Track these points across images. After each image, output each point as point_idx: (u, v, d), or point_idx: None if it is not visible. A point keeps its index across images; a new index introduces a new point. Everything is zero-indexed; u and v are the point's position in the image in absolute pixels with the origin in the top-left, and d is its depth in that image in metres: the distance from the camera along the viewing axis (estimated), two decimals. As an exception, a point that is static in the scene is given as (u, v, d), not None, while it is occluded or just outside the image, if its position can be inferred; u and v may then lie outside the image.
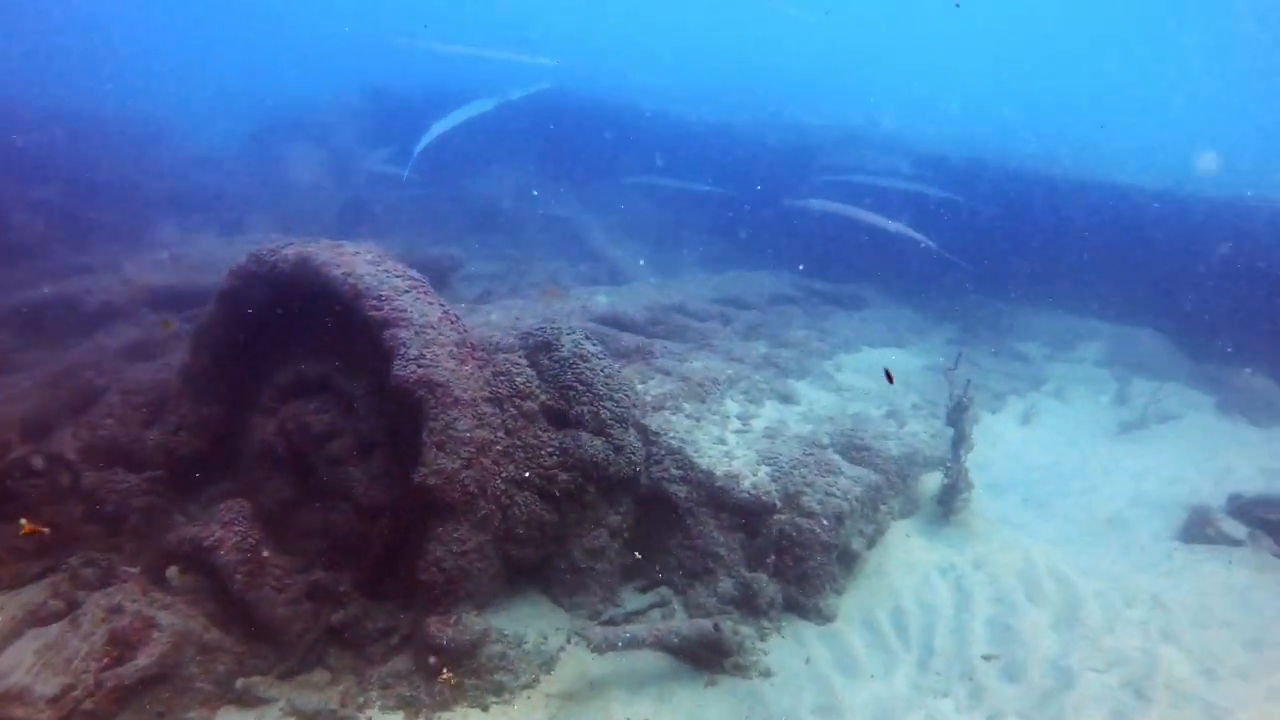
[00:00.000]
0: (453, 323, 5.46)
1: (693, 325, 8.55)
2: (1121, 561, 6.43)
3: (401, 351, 5.07)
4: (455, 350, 5.30)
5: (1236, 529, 6.83)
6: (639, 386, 6.62)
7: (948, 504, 6.45)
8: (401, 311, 5.22)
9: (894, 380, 5.59)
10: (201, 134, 19.50)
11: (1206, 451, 9.07)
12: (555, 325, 5.84)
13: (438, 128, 12.11)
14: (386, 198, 14.93)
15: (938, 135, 17.40)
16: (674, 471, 5.68)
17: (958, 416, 6.47)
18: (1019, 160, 14.28)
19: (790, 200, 12.74)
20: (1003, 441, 8.70)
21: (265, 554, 5.17)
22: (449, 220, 14.69)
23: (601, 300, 8.77)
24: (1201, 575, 6.25)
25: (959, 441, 6.44)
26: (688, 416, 6.36)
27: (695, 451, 5.79)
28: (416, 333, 5.17)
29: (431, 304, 5.48)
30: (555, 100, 16.19)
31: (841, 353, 9.60)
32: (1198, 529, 6.93)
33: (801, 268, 13.23)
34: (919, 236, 11.17)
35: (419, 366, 5.03)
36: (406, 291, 5.43)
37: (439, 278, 10.32)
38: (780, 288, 11.68)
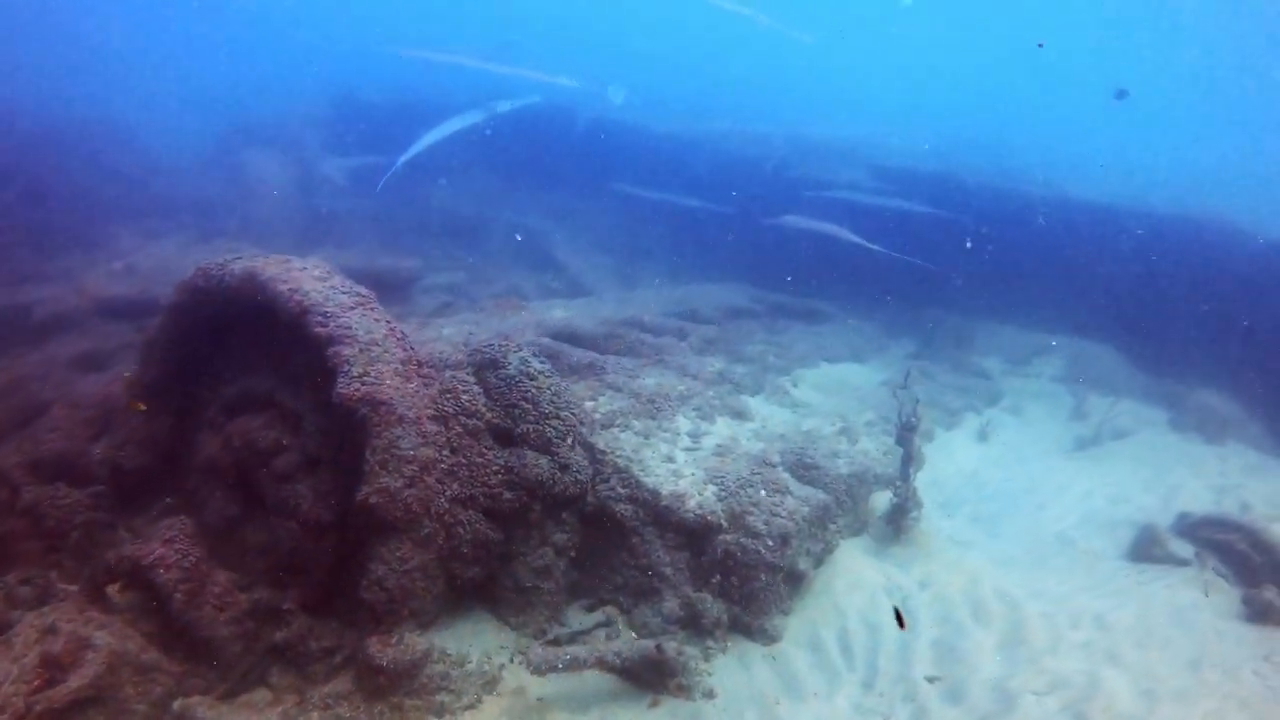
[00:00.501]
0: (399, 339, 5.44)
1: (648, 340, 8.54)
2: (1068, 581, 6.49)
3: (345, 369, 5.05)
4: (400, 368, 5.29)
5: (1183, 549, 6.91)
6: (589, 404, 6.63)
7: (896, 523, 6.50)
8: (346, 328, 5.20)
9: (905, 625, 5.60)
10: (168, 139, 19.28)
11: (1156, 469, 9.17)
12: (503, 343, 5.84)
13: (426, 139, 11.98)
14: (352, 206, 14.84)
15: (907, 148, 17.48)
16: (620, 490, 5.69)
17: (906, 436, 6.52)
18: (986, 174, 14.40)
19: (765, 218, 12.75)
20: (957, 458, 8.78)
21: (207, 571, 5.12)
22: (414, 230, 14.61)
23: (558, 314, 8.76)
24: (1146, 595, 6.31)
25: (907, 461, 6.49)
26: (637, 434, 6.37)
27: (642, 470, 5.80)
28: (361, 350, 5.15)
29: (378, 320, 5.46)
30: (523, 110, 16.18)
31: (799, 368, 9.64)
32: (1145, 549, 7.01)
33: (763, 281, 13.29)
34: (875, 247, 11.26)
35: (362, 384, 5.01)
36: (353, 308, 5.40)
37: (398, 289, 10.30)
38: (740, 301, 11.72)
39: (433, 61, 16.98)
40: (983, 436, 9.60)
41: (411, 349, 5.52)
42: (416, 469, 5.03)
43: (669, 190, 15.41)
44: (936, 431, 9.07)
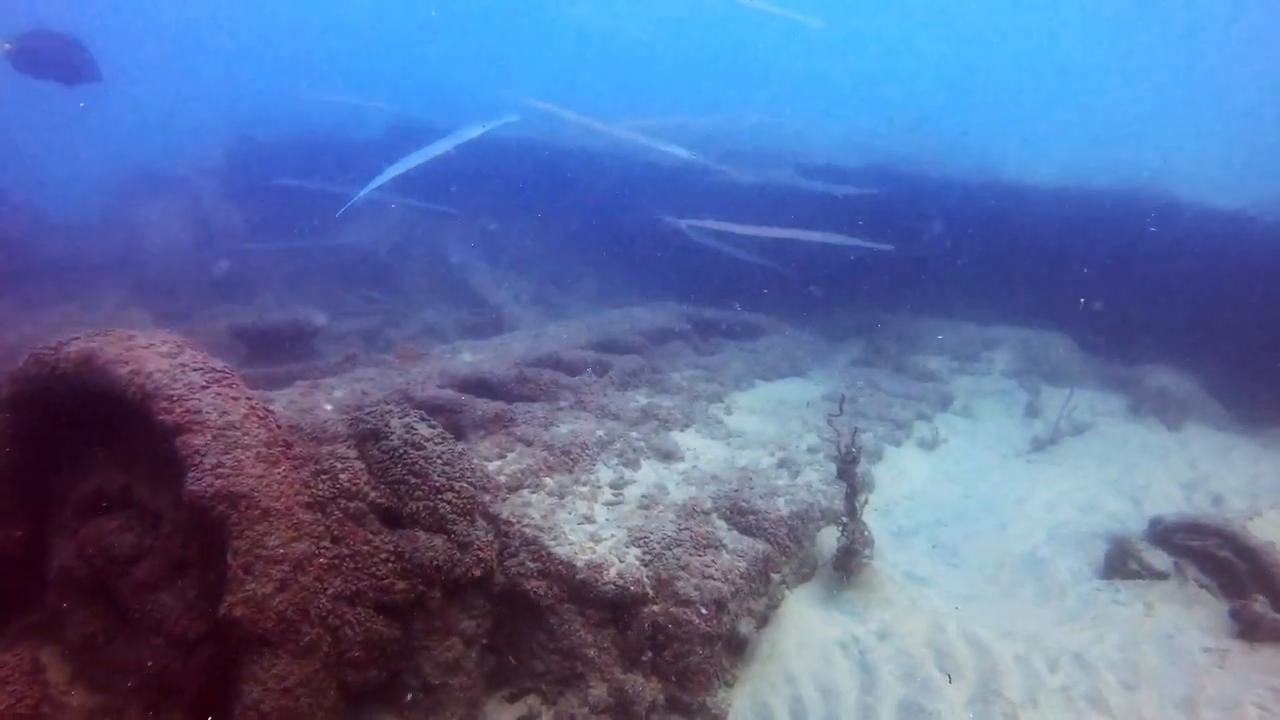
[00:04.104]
0: (261, 418, 4.74)
1: (563, 380, 7.86)
2: (1041, 614, 5.91)
3: (196, 460, 4.34)
4: (264, 451, 4.59)
5: (1160, 559, 6.39)
6: (494, 464, 5.95)
7: (846, 566, 5.90)
8: (195, 413, 4.49)
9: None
10: (58, 198, 18.24)
11: (1122, 466, 8.71)
12: (385, 409, 5.15)
13: (379, 179, 10.90)
14: (256, 256, 14.03)
15: (842, 142, 17.03)
16: (530, 565, 5.03)
17: (848, 470, 5.93)
18: (923, 164, 14.03)
19: (664, 219, 12.18)
20: (909, 477, 8.20)
21: (50, 714, 4.41)
22: (323, 274, 13.87)
23: (465, 359, 8.07)
24: (1127, 621, 5.73)
25: (852, 495, 5.92)
26: (550, 494, 5.72)
27: (554, 539, 5.14)
28: (215, 436, 4.44)
29: (236, 399, 4.75)
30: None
31: (733, 391, 9.06)
32: (1119, 563, 6.47)
33: (693, 296, 12.77)
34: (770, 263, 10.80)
35: (216, 477, 4.30)
36: (205, 387, 4.69)
37: (300, 343, 9.56)
38: (667, 321, 11.09)
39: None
40: (935, 448, 9.06)
41: (278, 427, 4.83)
42: (288, 569, 4.33)
43: (598, 207, 14.83)
44: (885, 449, 8.50)
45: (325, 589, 4.49)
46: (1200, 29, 46.89)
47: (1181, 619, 5.85)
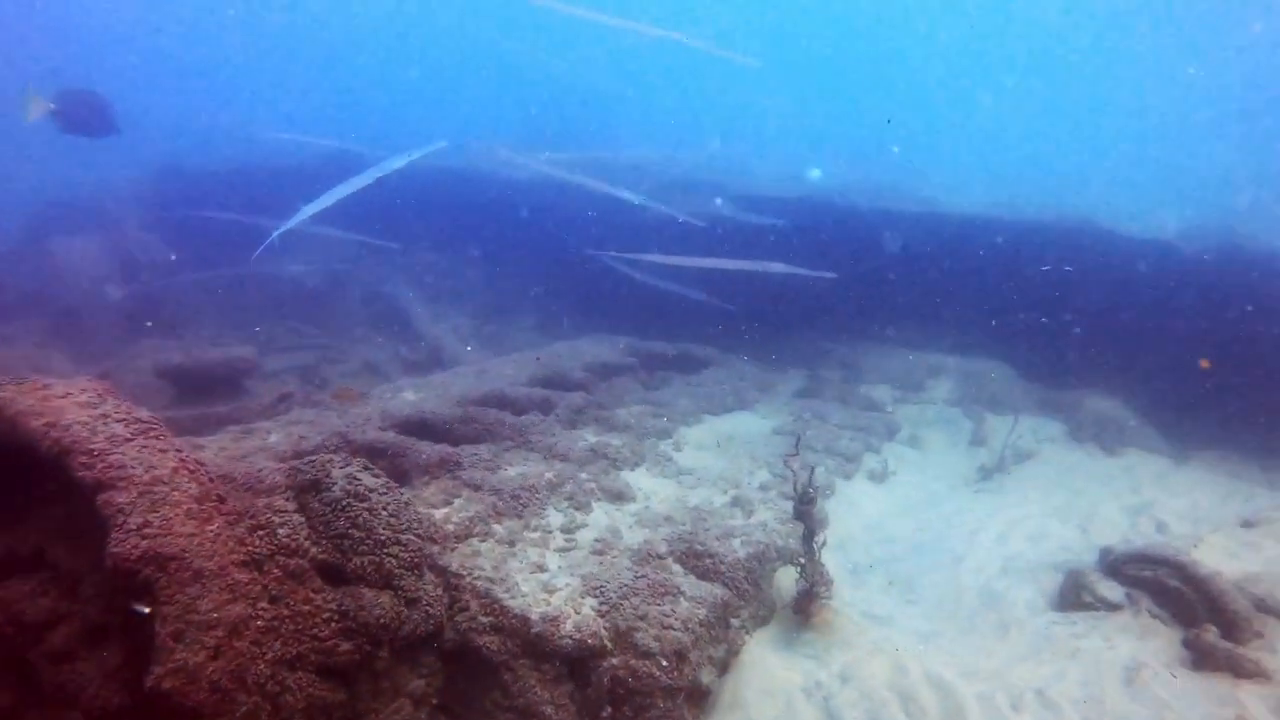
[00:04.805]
0: (192, 472, 4.43)
1: (508, 420, 7.62)
2: (1001, 649, 5.84)
3: (119, 520, 4.01)
4: (195, 508, 4.28)
5: (1113, 590, 6.39)
6: (441, 512, 5.69)
7: (806, 609, 5.76)
8: (119, 468, 4.17)
9: None
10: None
11: (1068, 493, 8.76)
12: (325, 458, 4.87)
13: (302, 212, 10.39)
14: (182, 289, 13.49)
15: (778, 173, 17.12)
16: (482, 620, 4.78)
17: (805, 510, 5.81)
18: (860, 195, 14.13)
19: (590, 252, 12.05)
20: (862, 511, 8.12)
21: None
22: (255, 308, 13.38)
23: (408, 398, 7.79)
24: (1085, 655, 5.68)
25: (810, 537, 5.79)
26: (500, 542, 5.48)
27: (507, 590, 4.91)
28: (141, 493, 4.13)
29: (164, 451, 4.44)
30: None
31: (681, 426, 8.91)
32: (1073, 595, 6.45)
33: (636, 329, 12.63)
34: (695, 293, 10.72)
35: (142, 537, 3.98)
36: (130, 440, 4.37)
37: (230, 383, 9.15)
38: (612, 355, 10.92)
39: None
40: (885, 480, 9.02)
41: (210, 480, 4.52)
42: (223, 634, 4.03)
43: (539, 240, 14.61)
44: (836, 483, 8.42)
45: (263, 654, 4.19)
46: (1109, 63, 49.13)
47: (1138, 651, 5.82)
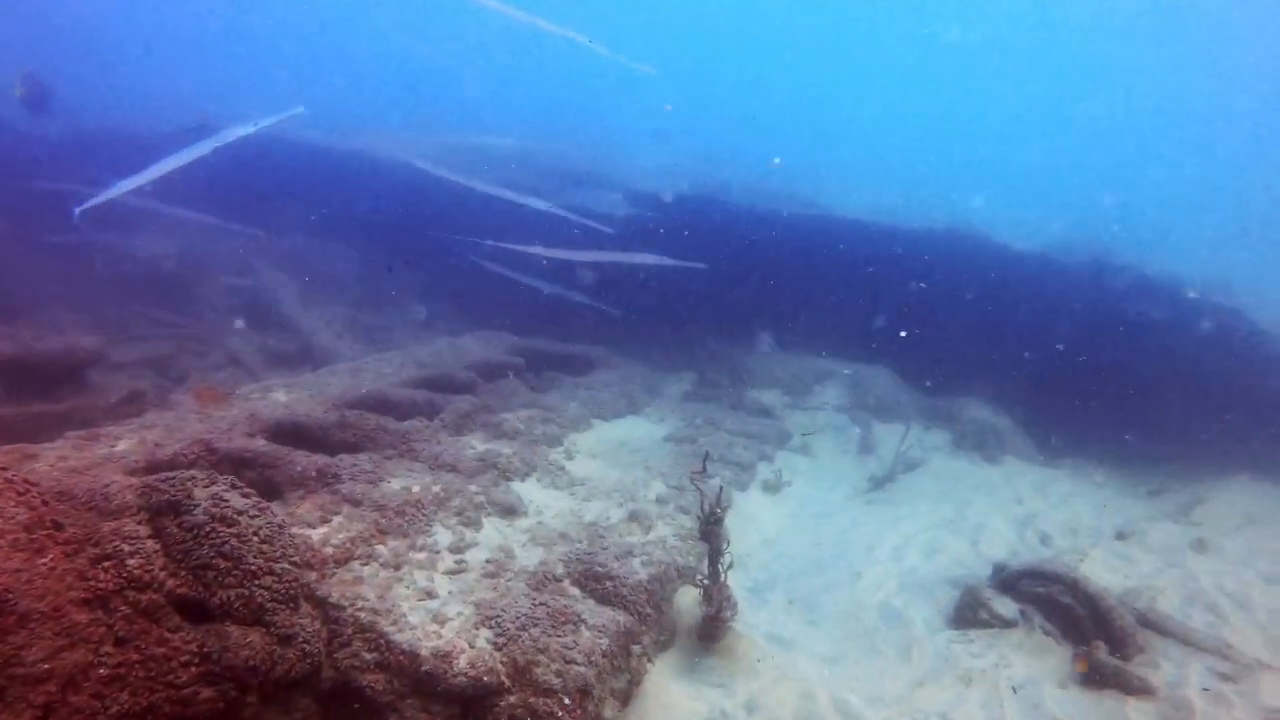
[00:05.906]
0: (20, 494, 3.80)
1: (390, 425, 7.07)
2: (904, 672, 5.69)
3: (-68, 554, 3.40)
4: (25, 537, 3.67)
5: (1007, 607, 6.38)
6: (320, 530, 5.16)
7: (711, 635, 5.49)
8: (-74, 492, 3.54)
9: None
10: None
11: (956, 504, 8.85)
12: (186, 475, 4.28)
13: (152, 170, 9.13)
14: (9, 260, 12.10)
15: (661, 170, 16.92)
16: (366, 656, 4.31)
17: (712, 531, 5.54)
18: (747, 195, 14.05)
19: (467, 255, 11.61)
20: (759, 524, 7.93)
21: None
22: (101, 290, 12.21)
23: (279, 399, 7.14)
24: (984, 676, 5.62)
25: (715, 558, 5.52)
26: (384, 565, 5.00)
27: (393, 622, 4.44)
28: (-44, 522, 3.51)
29: (-13, 470, 3.80)
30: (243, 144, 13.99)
31: (572, 432, 8.53)
32: (970, 612, 6.42)
33: (521, 325, 12.18)
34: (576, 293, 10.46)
35: (-41, 576, 3.38)
36: (-57, 455, 3.73)
37: (69, 378, 8.22)
38: (498, 354, 10.43)
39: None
40: (779, 491, 8.85)
41: (43, 503, 3.89)
42: (55, 688, 3.45)
43: (419, 230, 13.88)
44: (733, 495, 8.22)
45: (107, 708, 3.62)
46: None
47: (1033, 669, 5.83)
